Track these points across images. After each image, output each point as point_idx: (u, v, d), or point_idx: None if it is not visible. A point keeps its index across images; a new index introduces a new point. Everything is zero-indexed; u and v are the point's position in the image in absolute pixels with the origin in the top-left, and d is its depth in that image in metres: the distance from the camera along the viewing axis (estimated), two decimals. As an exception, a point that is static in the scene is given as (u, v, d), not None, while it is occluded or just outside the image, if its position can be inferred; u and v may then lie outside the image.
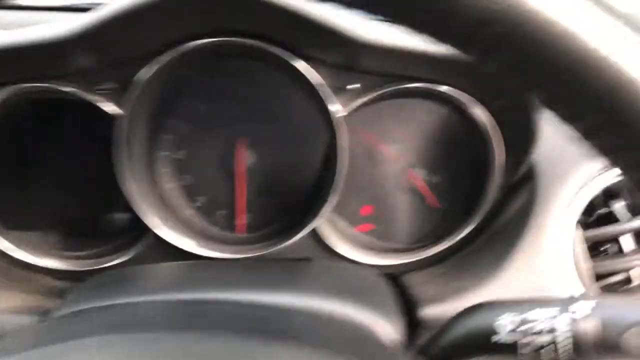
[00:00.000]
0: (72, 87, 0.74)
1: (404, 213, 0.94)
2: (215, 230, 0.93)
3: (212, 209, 0.93)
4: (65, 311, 0.61)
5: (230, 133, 0.89)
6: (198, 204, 0.92)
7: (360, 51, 0.69)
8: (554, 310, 0.52)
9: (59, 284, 0.83)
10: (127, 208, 0.87)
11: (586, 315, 0.50)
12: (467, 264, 0.83)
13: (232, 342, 0.40)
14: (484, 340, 0.53)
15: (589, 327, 0.50)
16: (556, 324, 0.51)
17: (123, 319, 0.51)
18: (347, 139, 0.79)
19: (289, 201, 0.92)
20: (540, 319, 0.52)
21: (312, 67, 0.74)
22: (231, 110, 0.89)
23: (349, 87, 0.76)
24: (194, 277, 0.71)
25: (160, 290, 0.63)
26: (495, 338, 0.52)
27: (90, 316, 0.53)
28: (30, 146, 0.86)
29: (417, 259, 0.88)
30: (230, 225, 0.93)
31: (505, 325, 0.53)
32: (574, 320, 0.50)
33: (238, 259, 0.84)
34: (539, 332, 0.51)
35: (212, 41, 0.72)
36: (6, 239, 0.80)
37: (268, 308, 0.57)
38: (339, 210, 0.92)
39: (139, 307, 0.55)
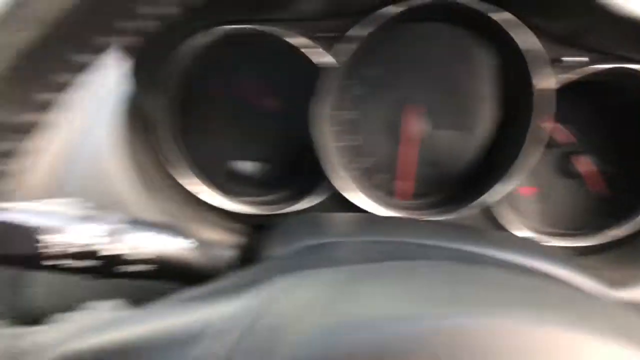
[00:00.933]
0: (290, 33, 0.75)
1: (568, 198, 0.93)
2: (377, 193, 0.93)
3: (376, 172, 0.93)
4: (288, 248, 0.62)
5: (404, 98, 0.89)
6: (364, 165, 0.93)
7: (600, 22, 0.68)
8: None
9: (236, 226, 0.85)
10: (305, 158, 0.89)
11: None
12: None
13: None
14: None
15: None
16: None
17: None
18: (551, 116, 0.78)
19: (455, 173, 0.91)
20: None
21: (526, 35, 0.73)
22: (409, 76, 0.89)
23: (566, 59, 0.74)
24: (401, 226, 0.71)
25: (382, 233, 0.64)
26: None
27: (344, 247, 0.54)
28: (226, 89, 0.88)
29: (584, 244, 0.86)
30: (391, 190, 0.93)
31: None
32: None
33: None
34: None
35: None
36: (195, 183, 0.82)
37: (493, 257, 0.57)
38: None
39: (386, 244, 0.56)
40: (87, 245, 0.47)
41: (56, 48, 0.29)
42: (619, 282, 0.76)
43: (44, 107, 0.30)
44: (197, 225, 0.77)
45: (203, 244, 0.58)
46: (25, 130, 0.31)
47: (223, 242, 0.76)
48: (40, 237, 0.45)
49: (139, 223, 0.53)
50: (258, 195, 0.89)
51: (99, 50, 0.30)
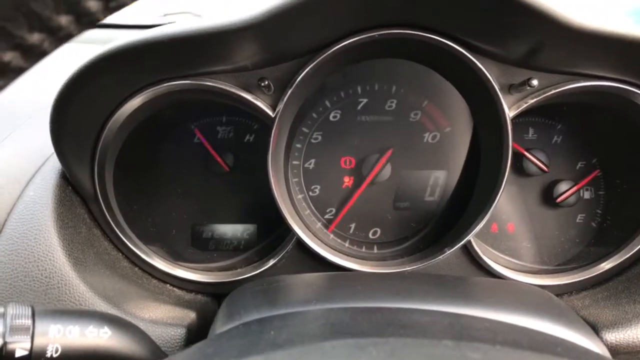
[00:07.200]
0: (228, 85, 0.70)
1: (552, 231, 0.86)
2: (345, 244, 0.86)
3: (342, 222, 0.86)
4: (228, 325, 0.55)
5: (363, 142, 0.84)
6: (328, 216, 0.86)
7: (559, 41, 0.62)
8: None
9: (188, 296, 0.78)
10: (259, 219, 0.84)
11: None
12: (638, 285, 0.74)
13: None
14: None
15: None
16: None
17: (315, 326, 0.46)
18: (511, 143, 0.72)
19: (423, 215, 0.85)
20: None
21: (482, 63, 0.68)
22: (367, 118, 0.84)
23: (525, 83, 0.68)
24: (358, 286, 0.64)
25: (333, 300, 0.57)
26: None
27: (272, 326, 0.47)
28: (162, 153, 0.83)
29: (574, 280, 0.79)
30: (361, 239, 0.87)
31: None
32: None
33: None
34: None
35: (386, 33, 0.66)
36: (143, 250, 0.76)
37: (468, 317, 0.50)
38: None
39: (320, 315, 0.49)
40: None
41: None
42: (611, 323, 0.69)
43: None
44: (141, 302, 0.70)
45: (126, 328, 0.51)
46: None
47: (171, 318, 0.70)
48: None
49: (44, 315, 0.47)
50: (214, 261, 0.83)
51: None
